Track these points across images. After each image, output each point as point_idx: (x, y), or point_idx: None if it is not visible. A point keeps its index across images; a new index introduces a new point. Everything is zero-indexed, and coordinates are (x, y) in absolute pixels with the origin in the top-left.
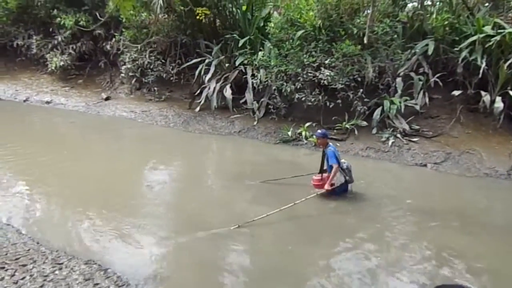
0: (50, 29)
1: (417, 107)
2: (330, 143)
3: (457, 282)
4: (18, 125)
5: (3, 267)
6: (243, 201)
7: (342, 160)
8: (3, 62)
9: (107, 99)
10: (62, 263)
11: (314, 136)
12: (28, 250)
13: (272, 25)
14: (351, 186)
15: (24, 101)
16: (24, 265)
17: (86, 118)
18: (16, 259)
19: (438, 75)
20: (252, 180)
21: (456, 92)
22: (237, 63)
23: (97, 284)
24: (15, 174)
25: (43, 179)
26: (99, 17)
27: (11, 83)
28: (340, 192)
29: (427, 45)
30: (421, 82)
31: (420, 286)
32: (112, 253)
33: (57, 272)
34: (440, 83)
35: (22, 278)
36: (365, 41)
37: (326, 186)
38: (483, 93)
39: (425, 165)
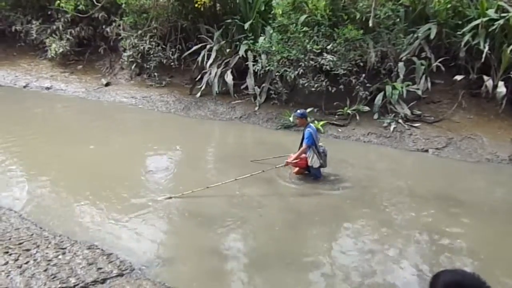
0: (49, 13)
1: (419, 92)
2: (311, 124)
3: (457, 268)
4: (18, 111)
5: (7, 252)
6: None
7: (320, 144)
8: (2, 48)
9: (107, 84)
10: (65, 248)
11: (293, 116)
12: (31, 235)
13: (280, 11)
14: (322, 170)
15: (24, 87)
16: (27, 250)
17: (86, 104)
18: (20, 243)
19: (440, 59)
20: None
21: (458, 77)
22: (240, 52)
23: (100, 268)
24: (16, 159)
25: (44, 165)
26: (95, 2)
27: (11, 69)
28: (314, 173)
29: (429, 29)
30: (423, 67)
31: (419, 272)
32: (114, 238)
33: (60, 256)
34: (443, 68)
35: (26, 263)
36: (370, 24)
37: (288, 160)
38: (485, 77)
39: (427, 151)
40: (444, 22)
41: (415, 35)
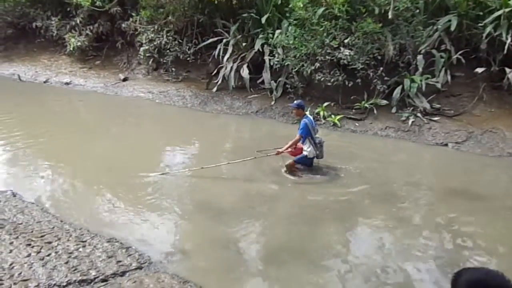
0: (68, 9)
1: (439, 85)
2: (308, 115)
3: (477, 265)
4: (38, 107)
5: (30, 244)
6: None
7: (317, 136)
8: (23, 44)
9: (125, 79)
10: (85, 241)
11: (290, 107)
12: (53, 228)
13: (301, 4)
14: (318, 161)
15: (44, 82)
16: (49, 242)
17: (104, 99)
18: (42, 236)
19: (460, 52)
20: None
21: (479, 69)
22: (256, 46)
23: (119, 261)
24: (37, 154)
25: (64, 159)
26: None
27: (31, 65)
28: (305, 162)
29: (449, 21)
30: (443, 60)
31: (438, 270)
32: (133, 231)
33: (81, 249)
34: (463, 60)
35: (48, 255)
36: (390, 16)
37: (280, 149)
38: (507, 70)
39: (446, 145)
40: (464, 14)
41: (435, 27)
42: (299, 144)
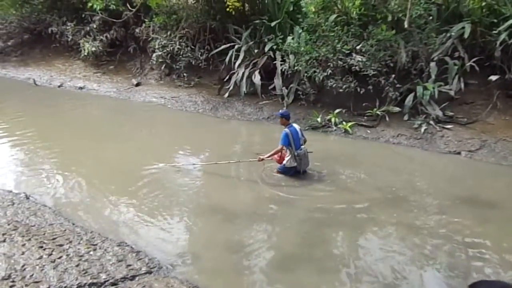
0: (83, 15)
1: (452, 93)
2: (293, 124)
3: (495, 279)
4: (53, 110)
5: (42, 247)
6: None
7: (302, 146)
8: (39, 49)
9: (137, 85)
10: (96, 244)
11: (275, 115)
12: (64, 230)
13: (312, 8)
14: (305, 169)
15: (59, 86)
16: (60, 245)
17: (117, 104)
18: (53, 239)
19: (474, 59)
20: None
21: (493, 77)
22: (266, 49)
23: (129, 265)
24: (51, 157)
25: (76, 162)
26: (129, 7)
27: (46, 69)
28: (284, 171)
29: (463, 28)
30: (456, 67)
31: (450, 280)
32: (143, 235)
33: (91, 252)
34: (477, 68)
35: (59, 257)
36: (406, 26)
37: (262, 156)
38: None
39: (459, 153)
40: (478, 21)
41: (448, 34)
42: (284, 153)
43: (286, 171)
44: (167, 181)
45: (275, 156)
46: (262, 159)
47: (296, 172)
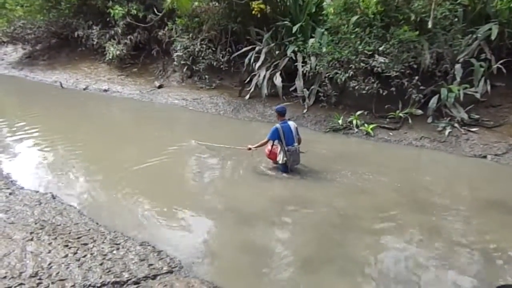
0: (107, 19)
1: (478, 95)
2: (287, 121)
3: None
4: (78, 112)
5: (67, 245)
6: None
7: (294, 143)
8: (65, 53)
9: (160, 87)
10: (119, 244)
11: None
12: (89, 230)
13: (332, 10)
14: (293, 167)
15: (84, 89)
16: (85, 244)
17: (140, 106)
18: (78, 238)
19: (501, 61)
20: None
21: None
22: (288, 52)
23: (151, 265)
24: (76, 158)
25: (102, 163)
26: (156, 12)
27: (72, 72)
28: (282, 169)
29: (490, 29)
30: (482, 69)
31: (473, 285)
32: (165, 234)
33: (115, 251)
34: (504, 70)
35: (84, 256)
36: (430, 26)
37: (251, 146)
38: None
39: (485, 157)
40: (506, 22)
41: (474, 36)
42: (275, 149)
43: (279, 167)
44: (185, 181)
45: (266, 151)
46: (250, 149)
47: (285, 168)
